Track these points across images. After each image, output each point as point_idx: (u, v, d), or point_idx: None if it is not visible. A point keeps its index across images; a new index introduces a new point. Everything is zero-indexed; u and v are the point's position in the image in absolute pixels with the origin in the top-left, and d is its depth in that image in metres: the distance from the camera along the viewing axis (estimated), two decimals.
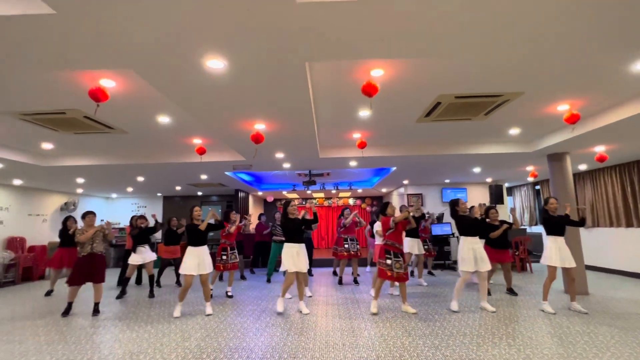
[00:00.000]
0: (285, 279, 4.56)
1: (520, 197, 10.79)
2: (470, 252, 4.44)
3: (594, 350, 3.12)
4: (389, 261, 4.44)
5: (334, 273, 7.44)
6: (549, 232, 4.53)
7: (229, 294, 5.61)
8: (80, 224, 5.36)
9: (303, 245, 4.69)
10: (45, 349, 3.44)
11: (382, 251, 4.57)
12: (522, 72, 3.18)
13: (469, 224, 4.58)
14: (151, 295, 5.78)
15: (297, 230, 4.65)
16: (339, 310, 4.65)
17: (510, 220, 5.18)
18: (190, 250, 4.59)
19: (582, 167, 7.44)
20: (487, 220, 5.27)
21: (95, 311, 4.68)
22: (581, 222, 4.55)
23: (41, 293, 6.37)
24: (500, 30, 2.24)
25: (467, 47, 2.44)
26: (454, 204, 4.74)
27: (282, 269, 4.56)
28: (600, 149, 5.65)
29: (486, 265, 4.42)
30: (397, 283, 6.29)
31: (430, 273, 7.51)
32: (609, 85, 3.52)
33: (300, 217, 4.77)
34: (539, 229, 9.76)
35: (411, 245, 6.39)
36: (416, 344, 3.35)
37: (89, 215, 4.84)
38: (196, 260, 4.52)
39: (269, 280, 6.99)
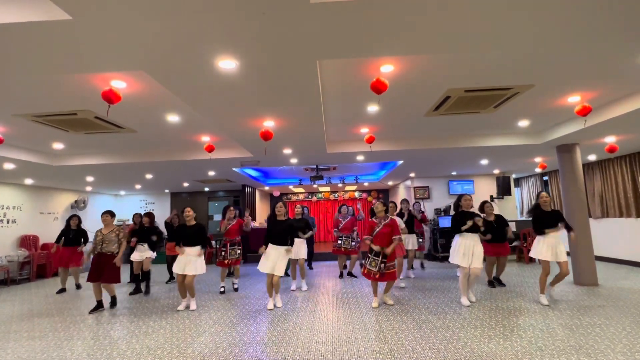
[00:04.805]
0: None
1: (528, 188, 10.72)
2: (462, 247, 4.43)
3: (606, 341, 3.13)
4: (368, 260, 4.54)
5: (344, 267, 7.50)
6: (540, 227, 4.44)
7: (235, 286, 5.81)
8: (95, 223, 5.42)
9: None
10: (65, 344, 3.53)
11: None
12: (533, 65, 3.15)
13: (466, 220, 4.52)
14: (147, 292, 5.80)
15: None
16: (349, 304, 4.70)
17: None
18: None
19: (592, 157, 7.37)
20: (483, 215, 5.24)
21: (113, 304, 4.81)
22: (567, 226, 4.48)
23: (55, 290, 6.51)
24: (512, 23, 2.22)
25: (480, 42, 2.42)
26: (457, 200, 4.71)
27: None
28: (610, 139, 5.59)
29: (477, 263, 4.37)
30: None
31: (421, 266, 7.60)
32: (620, 76, 3.47)
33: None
34: None
35: (405, 241, 6.36)
36: (428, 336, 3.39)
37: (103, 214, 4.82)
38: (183, 260, 4.62)
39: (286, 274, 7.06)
